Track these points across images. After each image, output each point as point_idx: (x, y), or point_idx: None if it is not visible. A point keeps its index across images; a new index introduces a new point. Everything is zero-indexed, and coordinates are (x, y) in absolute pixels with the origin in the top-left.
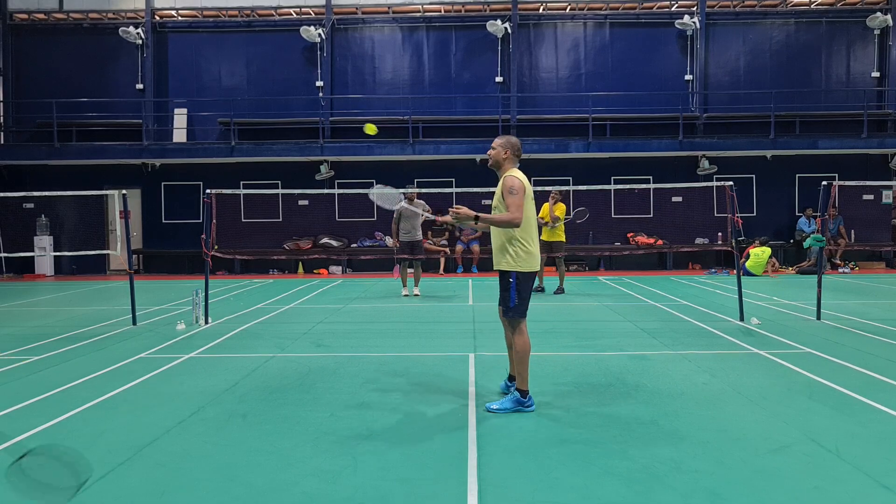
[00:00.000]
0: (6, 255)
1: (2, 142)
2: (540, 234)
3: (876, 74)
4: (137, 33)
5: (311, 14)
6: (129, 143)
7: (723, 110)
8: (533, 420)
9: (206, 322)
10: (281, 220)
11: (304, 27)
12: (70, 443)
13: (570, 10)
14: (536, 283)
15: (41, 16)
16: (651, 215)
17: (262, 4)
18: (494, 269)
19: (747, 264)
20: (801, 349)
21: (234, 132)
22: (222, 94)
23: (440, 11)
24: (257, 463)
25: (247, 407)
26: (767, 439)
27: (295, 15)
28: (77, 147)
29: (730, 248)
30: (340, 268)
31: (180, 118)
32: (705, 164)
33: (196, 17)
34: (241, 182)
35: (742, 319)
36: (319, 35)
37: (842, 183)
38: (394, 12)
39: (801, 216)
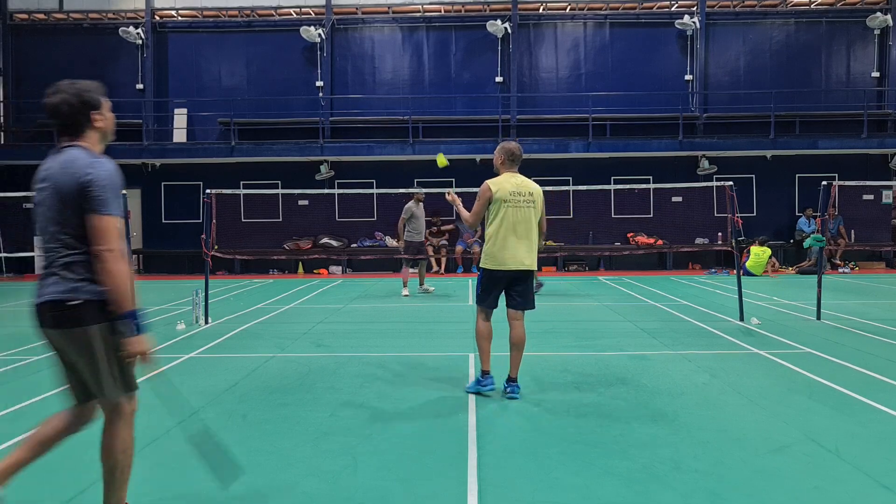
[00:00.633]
0: (6, 255)
1: (2, 142)
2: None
3: (876, 74)
4: (137, 33)
5: (311, 14)
6: (129, 143)
7: (723, 110)
8: (533, 420)
9: (206, 322)
10: (281, 220)
11: (304, 27)
12: (70, 443)
13: (570, 10)
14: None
15: (41, 16)
16: (651, 215)
17: (262, 4)
18: None
19: (747, 264)
20: (801, 349)
21: (234, 132)
22: (222, 94)
23: (440, 11)
24: (257, 463)
25: (247, 407)
26: (767, 439)
27: (295, 15)
28: None
29: (730, 248)
30: (340, 268)
31: (180, 118)
32: (705, 164)
33: (196, 17)
34: (241, 182)
35: (742, 319)
36: (319, 35)
37: (842, 183)
38: (394, 12)
39: (801, 216)
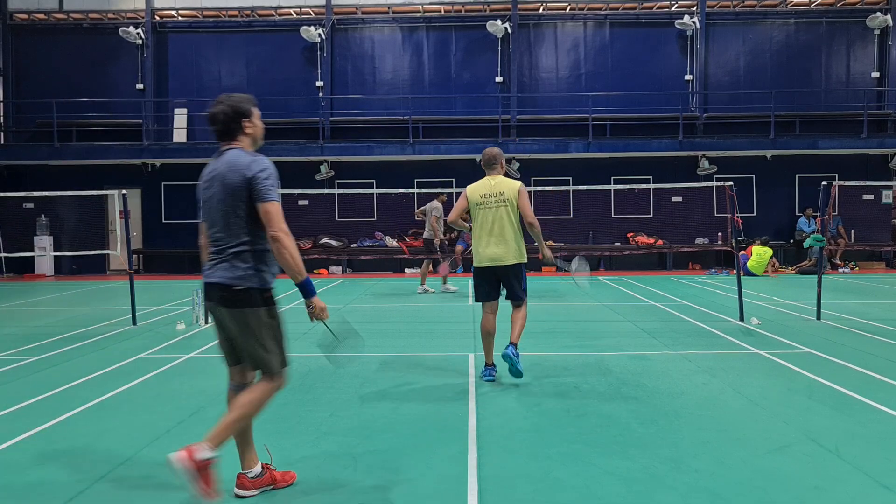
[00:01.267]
0: (6, 255)
1: (2, 142)
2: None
3: (876, 74)
4: (137, 33)
5: (311, 14)
6: (129, 143)
7: (723, 110)
8: (533, 420)
9: (206, 322)
10: None
11: (304, 27)
12: (70, 443)
13: (570, 10)
14: None
15: (41, 16)
16: (651, 215)
17: (262, 4)
18: None
19: (748, 264)
20: (801, 349)
21: None
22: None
23: (440, 11)
24: None
25: None
26: (767, 439)
27: (295, 15)
28: (77, 147)
29: (730, 248)
30: (340, 268)
31: (180, 118)
32: (705, 164)
33: (196, 17)
34: None
35: (742, 319)
36: (319, 35)
37: (842, 183)
38: (394, 12)
39: (800, 216)
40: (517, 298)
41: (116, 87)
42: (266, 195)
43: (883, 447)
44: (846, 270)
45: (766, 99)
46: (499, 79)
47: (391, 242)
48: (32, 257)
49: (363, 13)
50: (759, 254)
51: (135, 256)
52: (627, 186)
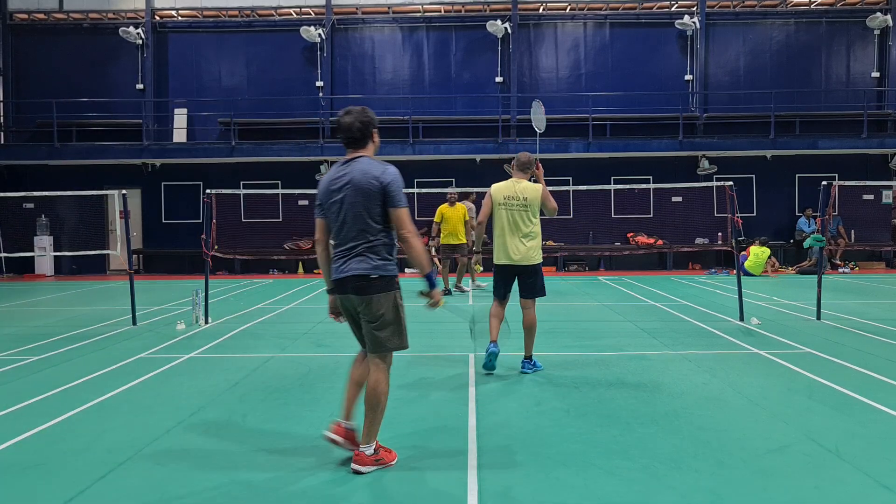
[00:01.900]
0: (6, 255)
1: (2, 142)
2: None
3: (876, 74)
4: (137, 33)
5: (311, 14)
6: (129, 143)
7: (723, 110)
8: (533, 420)
9: (206, 322)
10: (281, 220)
11: (304, 27)
12: (70, 443)
13: (570, 10)
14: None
15: (41, 16)
16: (651, 215)
17: (262, 4)
18: None
19: (746, 264)
20: (801, 349)
21: (234, 132)
22: (222, 94)
23: (440, 11)
24: (257, 463)
25: (247, 407)
26: (767, 439)
27: (295, 15)
28: (77, 147)
29: (730, 248)
30: None
31: (180, 118)
32: (705, 164)
33: (196, 17)
34: (241, 182)
35: (742, 319)
36: (319, 35)
37: (842, 183)
38: (394, 12)
39: (800, 216)
40: (535, 294)
41: (116, 87)
42: (398, 202)
43: (883, 447)
44: (846, 270)
45: (766, 99)
46: (499, 79)
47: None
48: (32, 257)
49: (363, 13)
50: (757, 254)
51: (135, 256)
52: (627, 186)
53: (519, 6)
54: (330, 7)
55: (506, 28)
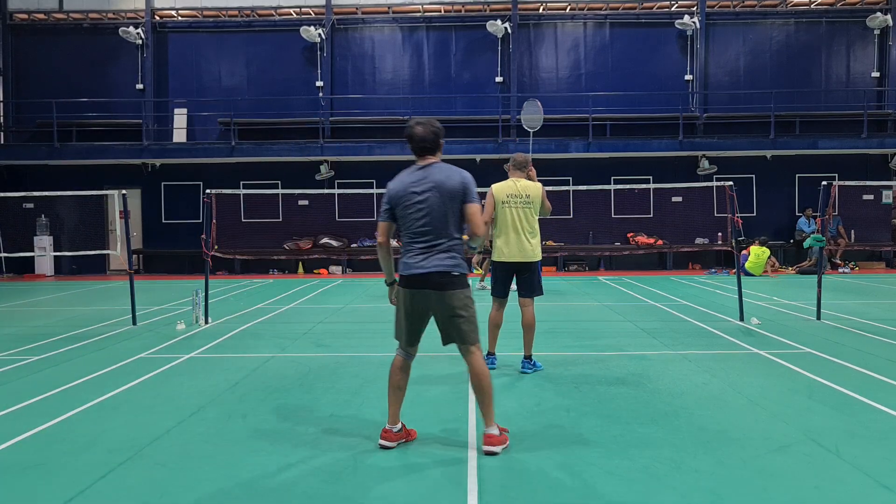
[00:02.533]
0: (6, 255)
1: (2, 142)
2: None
3: (876, 74)
4: (137, 33)
5: (311, 14)
6: (129, 143)
7: (723, 110)
8: (533, 420)
9: (206, 322)
10: (281, 220)
11: (304, 27)
12: (70, 443)
13: (570, 10)
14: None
15: (41, 16)
16: (651, 215)
17: (262, 4)
18: None
19: (746, 264)
20: (801, 349)
21: (234, 132)
22: (222, 94)
23: (440, 11)
24: (257, 463)
25: (247, 407)
26: (767, 439)
27: (295, 15)
28: (77, 147)
29: (730, 248)
30: (340, 268)
31: (180, 118)
32: (705, 164)
33: (196, 17)
34: (241, 182)
35: (742, 319)
36: (319, 35)
37: (842, 183)
38: (394, 12)
39: (801, 216)
40: (534, 293)
41: (116, 87)
42: (475, 198)
43: (883, 447)
44: (846, 270)
45: (766, 99)
46: (499, 79)
47: (391, 242)
48: (32, 257)
49: (363, 13)
50: (757, 254)
51: (135, 256)
52: (627, 186)
53: (519, 6)
54: (330, 7)
55: (506, 28)
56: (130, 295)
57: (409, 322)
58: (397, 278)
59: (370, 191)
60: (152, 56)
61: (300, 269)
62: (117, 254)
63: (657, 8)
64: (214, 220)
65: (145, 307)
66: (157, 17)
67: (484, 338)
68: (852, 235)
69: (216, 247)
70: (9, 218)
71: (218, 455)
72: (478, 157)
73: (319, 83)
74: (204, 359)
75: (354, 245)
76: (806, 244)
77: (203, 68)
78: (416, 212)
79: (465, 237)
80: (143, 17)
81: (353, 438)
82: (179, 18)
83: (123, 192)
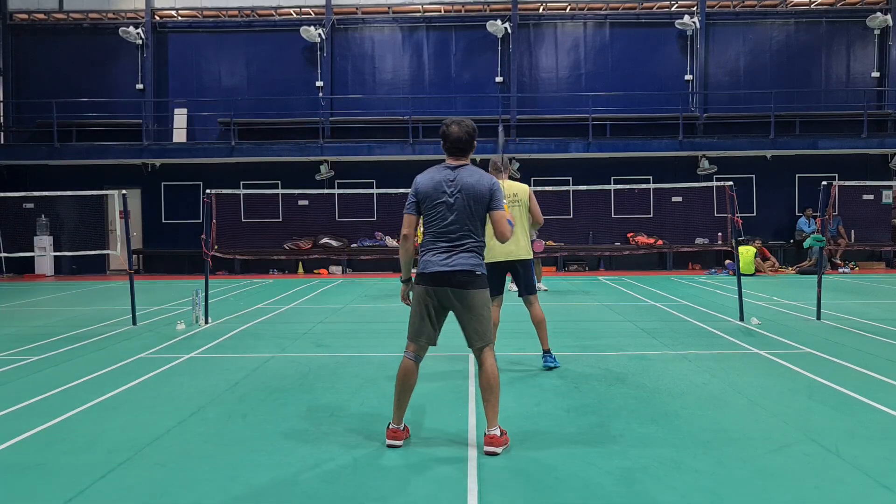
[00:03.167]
0: (6, 255)
1: (2, 142)
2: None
3: (876, 74)
4: (137, 33)
5: (311, 14)
6: (129, 143)
7: (723, 110)
8: (533, 420)
9: (206, 322)
10: (281, 220)
11: (304, 27)
12: (70, 443)
13: (570, 10)
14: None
15: (41, 16)
16: (651, 215)
17: (262, 4)
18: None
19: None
20: (801, 349)
21: (234, 132)
22: (222, 94)
23: (440, 11)
24: (257, 463)
25: (247, 407)
26: (767, 439)
27: (295, 15)
28: (77, 147)
29: (730, 249)
30: (340, 268)
31: (180, 118)
32: (705, 164)
33: (196, 17)
34: (241, 182)
35: (742, 319)
36: (319, 35)
37: (842, 183)
38: (394, 12)
39: (801, 216)
40: (531, 290)
41: (116, 87)
42: (501, 205)
43: (883, 447)
44: (846, 270)
45: (766, 99)
46: (499, 79)
47: (391, 242)
48: (32, 257)
49: (363, 13)
50: (742, 253)
51: (135, 256)
52: (627, 186)
53: (519, 6)
54: (330, 7)
55: (506, 28)
56: (130, 295)
57: (427, 321)
58: (413, 277)
59: (370, 191)
60: (152, 56)
61: (300, 269)
62: (117, 254)
63: (657, 8)
64: (214, 220)
65: (145, 307)
66: (157, 17)
67: None
68: (852, 235)
69: (216, 247)
70: (9, 218)
71: (218, 455)
72: (478, 157)
73: (319, 83)
74: (204, 359)
75: (354, 245)
76: (806, 244)
77: (203, 68)
78: (444, 211)
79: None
80: (143, 17)
81: (353, 438)
82: (179, 18)
83: (123, 192)
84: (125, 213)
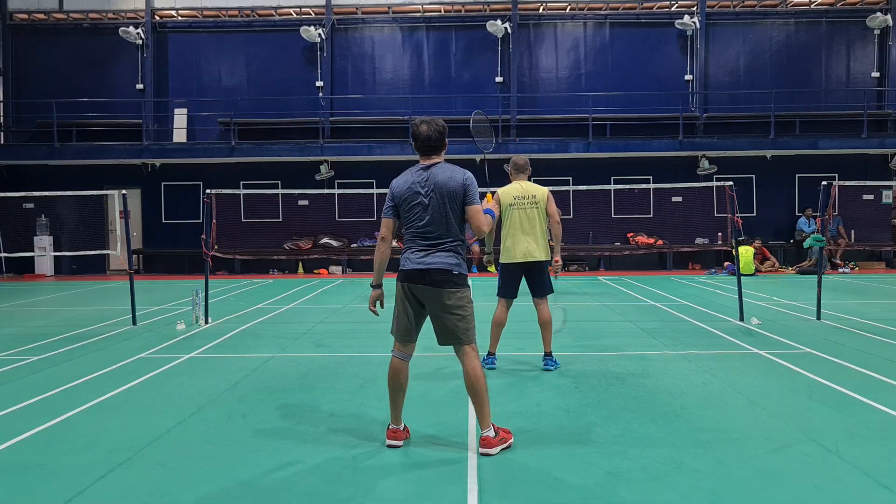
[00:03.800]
0: (6, 255)
1: (2, 142)
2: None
3: (876, 74)
4: (137, 33)
5: (311, 14)
6: (129, 143)
7: (723, 110)
8: (533, 420)
9: (206, 322)
10: (281, 220)
11: (304, 27)
12: (70, 443)
13: (570, 10)
14: None
15: (41, 16)
16: (651, 215)
17: (262, 4)
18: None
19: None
20: (801, 349)
21: (234, 132)
22: (222, 94)
23: (440, 11)
24: (257, 463)
25: (247, 407)
26: (767, 439)
27: (295, 15)
28: (77, 147)
29: (730, 249)
30: (340, 268)
31: (180, 118)
32: (705, 164)
33: (196, 17)
34: (241, 182)
35: (742, 319)
36: (319, 35)
37: (842, 183)
38: (394, 12)
39: (801, 216)
40: (546, 292)
41: (116, 87)
42: (476, 199)
43: (883, 447)
44: (846, 270)
45: (766, 99)
46: (499, 79)
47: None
48: (32, 257)
49: (363, 13)
50: (742, 253)
51: (135, 256)
52: (627, 186)
53: (519, 6)
54: (330, 7)
55: (506, 28)
56: (130, 295)
57: (407, 318)
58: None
59: (370, 191)
60: (152, 56)
61: (300, 269)
62: (117, 254)
63: (657, 8)
64: (214, 220)
65: (145, 307)
66: (157, 17)
67: (486, 338)
68: (852, 235)
69: (216, 247)
70: (9, 218)
71: (218, 455)
72: (477, 158)
73: (319, 83)
74: (204, 359)
75: (354, 245)
76: (806, 244)
77: (203, 68)
78: (420, 212)
79: (471, 242)
80: (143, 17)
81: (353, 438)
82: (179, 18)
83: (123, 192)
84: (125, 213)
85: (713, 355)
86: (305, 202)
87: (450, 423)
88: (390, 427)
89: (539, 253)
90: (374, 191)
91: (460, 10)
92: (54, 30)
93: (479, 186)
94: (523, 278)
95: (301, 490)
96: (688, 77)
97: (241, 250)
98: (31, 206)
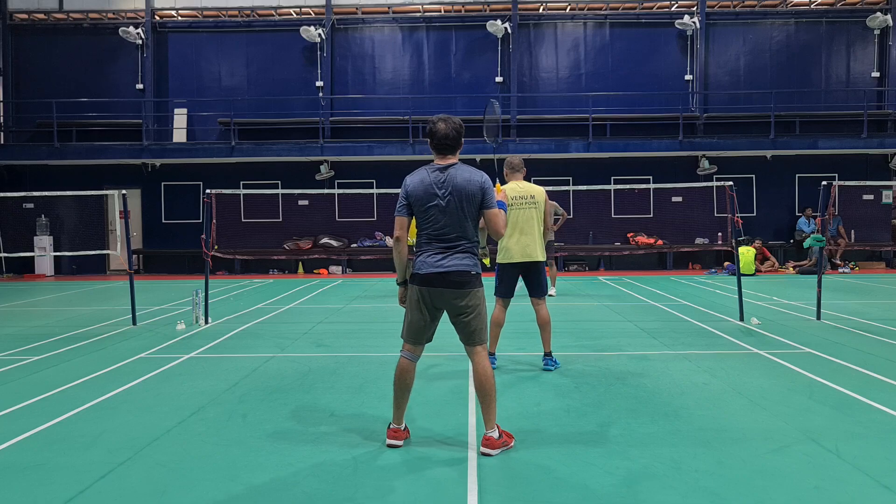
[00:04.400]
0: (6, 255)
1: (2, 142)
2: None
3: (876, 74)
4: (137, 33)
5: (311, 14)
6: (129, 143)
7: (723, 110)
8: (532, 420)
9: (206, 322)
10: (281, 220)
11: (304, 27)
12: (70, 443)
13: (570, 10)
14: None
15: (41, 16)
16: (651, 215)
17: (262, 4)
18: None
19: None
20: (801, 349)
21: (234, 132)
22: (222, 94)
23: (440, 11)
24: (257, 463)
25: (247, 407)
26: (767, 439)
27: (295, 15)
28: (77, 147)
29: (730, 249)
30: (340, 268)
31: (180, 118)
32: (705, 164)
33: (196, 17)
34: (241, 182)
35: (742, 319)
36: (319, 35)
37: (842, 183)
38: (394, 12)
39: (800, 216)
40: (542, 292)
41: (116, 87)
42: (494, 203)
43: (883, 447)
44: (846, 270)
45: (766, 99)
46: (499, 79)
47: (391, 242)
48: (32, 257)
49: (363, 13)
50: (743, 253)
51: (135, 256)
52: (627, 186)
53: (519, 6)
54: (330, 7)
55: (506, 28)
56: (130, 295)
57: (423, 321)
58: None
59: (370, 191)
60: (152, 56)
61: (300, 269)
62: (117, 254)
63: (657, 8)
64: (214, 220)
65: (145, 307)
66: (157, 17)
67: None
68: (852, 235)
69: (216, 247)
70: (9, 218)
71: (218, 455)
72: (478, 157)
73: (319, 83)
74: (204, 359)
75: (354, 245)
76: (806, 244)
77: (203, 68)
78: (437, 214)
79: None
80: (143, 17)
81: (353, 438)
82: (179, 18)
83: (123, 192)
84: (125, 213)
85: (713, 355)
86: (305, 202)
87: (450, 422)
88: (391, 426)
89: (536, 253)
90: (374, 191)
91: (460, 10)
92: (54, 30)
93: None
94: (520, 278)
95: (301, 490)
96: (688, 77)
97: (241, 250)
98: (31, 206)
